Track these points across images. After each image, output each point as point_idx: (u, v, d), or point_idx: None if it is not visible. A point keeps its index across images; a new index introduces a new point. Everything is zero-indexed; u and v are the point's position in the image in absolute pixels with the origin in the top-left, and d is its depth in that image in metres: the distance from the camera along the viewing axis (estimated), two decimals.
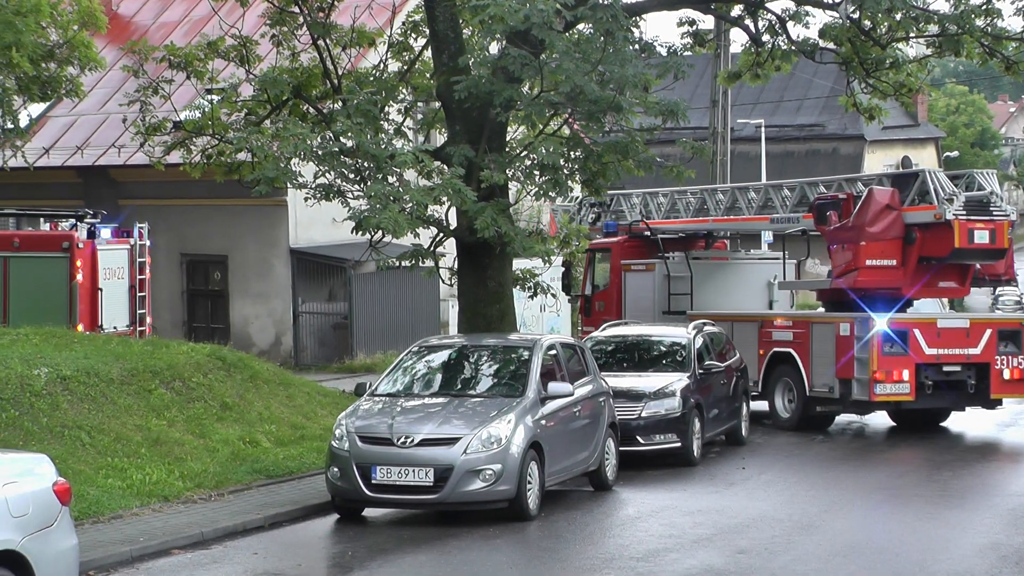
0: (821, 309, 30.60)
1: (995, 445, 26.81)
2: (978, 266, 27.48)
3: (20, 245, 30.06)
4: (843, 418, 28.87)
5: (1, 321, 28.76)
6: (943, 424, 28.37)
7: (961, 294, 29.45)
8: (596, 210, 33.79)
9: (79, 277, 29.54)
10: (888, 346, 26.03)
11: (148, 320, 31.20)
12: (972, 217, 25.80)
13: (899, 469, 23.67)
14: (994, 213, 26.08)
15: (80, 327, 28.70)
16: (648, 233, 31.99)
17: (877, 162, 66.40)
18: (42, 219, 31.64)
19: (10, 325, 27.13)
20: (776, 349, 28.14)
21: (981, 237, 25.90)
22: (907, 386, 26.08)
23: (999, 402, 27.77)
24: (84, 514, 17.09)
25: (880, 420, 28.70)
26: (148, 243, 31.20)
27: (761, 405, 28.58)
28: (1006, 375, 26.80)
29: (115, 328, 29.73)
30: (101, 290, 30.02)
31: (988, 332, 26.73)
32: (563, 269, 34.89)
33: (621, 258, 32.42)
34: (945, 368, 26.57)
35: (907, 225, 26.33)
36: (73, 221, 30.55)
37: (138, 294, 30.86)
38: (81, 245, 29.80)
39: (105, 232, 30.40)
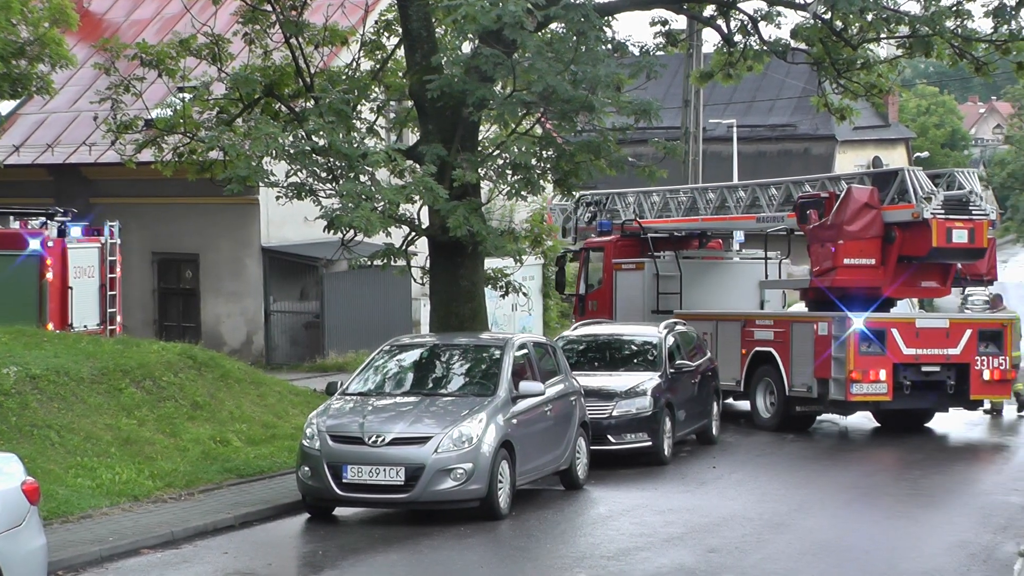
0: (798, 307, 30.53)
1: (965, 444, 26.88)
2: (959, 266, 27.34)
3: None
4: (825, 418, 28.83)
5: None
6: (928, 425, 28.29)
7: (942, 294, 29.16)
8: (592, 209, 33.63)
9: (49, 276, 29.43)
10: (865, 346, 25.81)
11: (119, 319, 31.08)
12: (951, 216, 25.58)
13: (869, 468, 23.73)
14: (973, 212, 25.86)
15: (50, 326, 28.59)
16: (642, 232, 31.71)
17: (848, 162, 66.65)
18: (11, 217, 31.49)
19: None
20: (758, 348, 27.98)
21: (960, 236, 25.66)
22: (884, 386, 25.87)
23: (980, 403, 27.74)
24: (53, 514, 17.02)
25: (863, 421, 28.64)
26: (119, 242, 31.09)
27: (746, 405, 28.60)
28: (986, 376, 26.54)
29: (85, 327, 29.62)
30: (71, 289, 29.91)
31: (968, 332, 26.50)
32: (556, 268, 34.71)
33: (613, 257, 32.26)
34: (924, 368, 26.36)
35: (886, 224, 26.12)
36: (43, 219, 30.43)
37: (108, 293, 30.76)
38: (51, 244, 29.69)
39: (76, 231, 30.29)
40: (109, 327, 30.50)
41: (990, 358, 26.58)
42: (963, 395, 26.66)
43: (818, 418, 28.39)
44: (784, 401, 27.32)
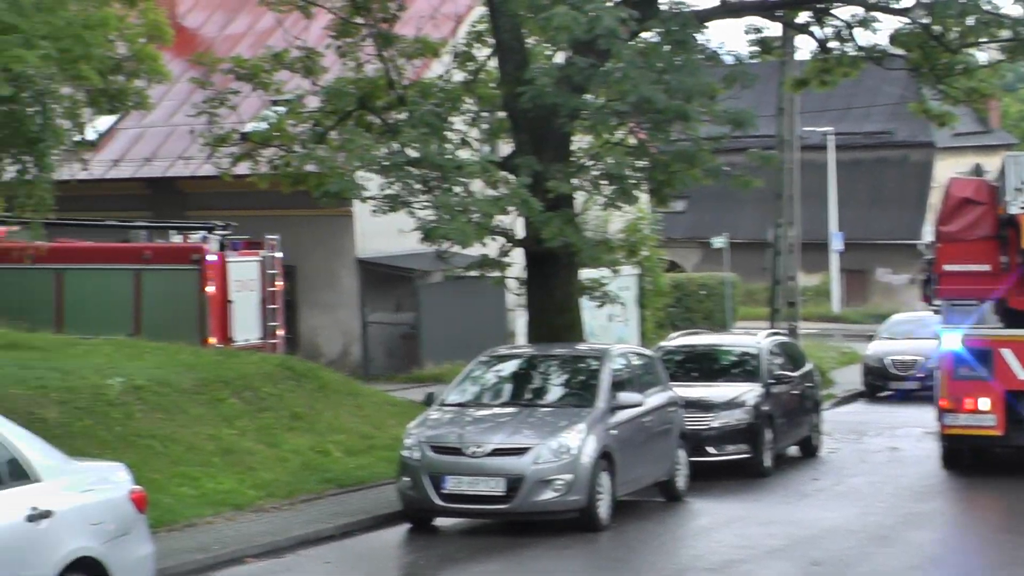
0: None
1: None
2: None
3: (151, 258, 30.14)
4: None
5: (134, 333, 28.64)
6: None
7: None
8: None
9: (210, 289, 29.48)
10: (965, 369, 21.84)
11: (280, 332, 30.97)
12: None
13: (977, 481, 22.90)
14: None
15: (212, 340, 28.63)
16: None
17: (948, 170, 65.65)
18: (172, 232, 31.76)
19: (143, 337, 27.12)
20: None
21: None
22: (991, 418, 21.60)
23: None
24: (158, 522, 17.03)
25: None
26: (280, 255, 31.10)
27: None
28: None
29: (247, 340, 29.58)
30: (231, 302, 29.92)
31: None
32: (923, 278, 30.76)
33: None
34: None
35: (1002, 223, 22.15)
36: (203, 234, 30.56)
37: (269, 306, 30.73)
38: (212, 258, 29.77)
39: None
40: (270, 341, 30.49)
41: None
42: None
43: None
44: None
